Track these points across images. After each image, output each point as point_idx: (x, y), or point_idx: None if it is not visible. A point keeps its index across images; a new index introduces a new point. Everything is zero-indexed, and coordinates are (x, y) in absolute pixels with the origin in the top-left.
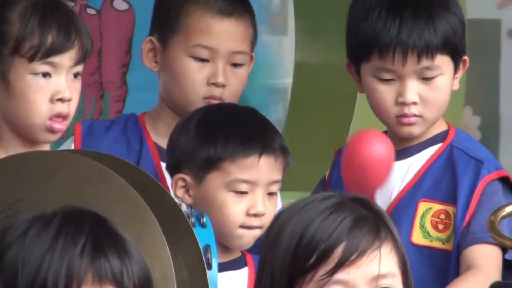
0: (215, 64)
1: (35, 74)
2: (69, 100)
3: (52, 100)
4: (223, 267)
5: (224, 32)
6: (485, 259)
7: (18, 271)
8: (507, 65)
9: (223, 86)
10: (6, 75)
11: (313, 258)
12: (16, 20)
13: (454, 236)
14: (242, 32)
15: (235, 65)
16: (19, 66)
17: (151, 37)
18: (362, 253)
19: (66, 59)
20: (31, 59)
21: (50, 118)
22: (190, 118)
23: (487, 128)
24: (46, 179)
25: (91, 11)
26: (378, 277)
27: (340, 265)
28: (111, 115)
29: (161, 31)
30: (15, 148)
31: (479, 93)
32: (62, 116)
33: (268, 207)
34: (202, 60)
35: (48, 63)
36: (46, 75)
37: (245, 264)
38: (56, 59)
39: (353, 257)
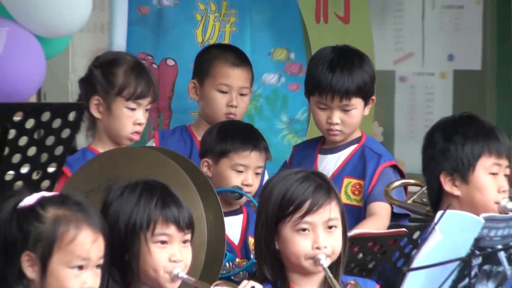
0: (231, 94)
1: (128, 108)
2: (143, 123)
3: (134, 123)
4: (227, 214)
5: (236, 76)
6: (380, 210)
7: (119, 217)
8: (399, 97)
9: (236, 107)
10: (110, 106)
11: (291, 208)
12: (121, 75)
13: (363, 198)
14: (246, 75)
15: (242, 95)
16: (119, 102)
17: (193, 80)
18: (320, 206)
19: (145, 101)
20: (128, 99)
21: (132, 133)
22: (214, 127)
23: (387, 135)
24: (132, 165)
25: (154, 66)
26: (329, 220)
27: (307, 212)
28: (164, 127)
29: (199, 76)
30: (109, 147)
31: (382, 113)
32: (137, 132)
33: (255, 181)
34: (223, 92)
35: (136, 103)
36: (133, 109)
37: (241, 212)
38: (140, 101)
39: (315, 208)
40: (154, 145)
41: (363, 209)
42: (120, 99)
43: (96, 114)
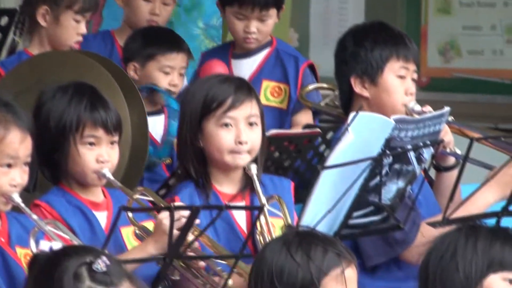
0: (154, 3)
1: (75, 20)
2: (84, 33)
3: (77, 34)
4: (150, 114)
5: None
6: (305, 113)
7: (50, 117)
8: (314, 4)
9: (158, 15)
10: (59, 17)
11: (215, 104)
12: None
13: (289, 102)
14: None
15: (165, 4)
16: (68, 14)
17: None
18: (242, 102)
19: (90, 13)
20: (76, 13)
21: (75, 43)
22: (137, 32)
23: (302, 40)
24: (61, 67)
25: None
26: (250, 115)
27: (230, 108)
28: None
29: None
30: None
31: (298, 20)
32: (78, 42)
33: (180, 82)
34: (147, 0)
35: (83, 15)
36: (79, 21)
37: (163, 112)
38: (87, 14)
39: (237, 104)
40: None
41: (289, 113)
42: (70, 12)
43: (42, 23)
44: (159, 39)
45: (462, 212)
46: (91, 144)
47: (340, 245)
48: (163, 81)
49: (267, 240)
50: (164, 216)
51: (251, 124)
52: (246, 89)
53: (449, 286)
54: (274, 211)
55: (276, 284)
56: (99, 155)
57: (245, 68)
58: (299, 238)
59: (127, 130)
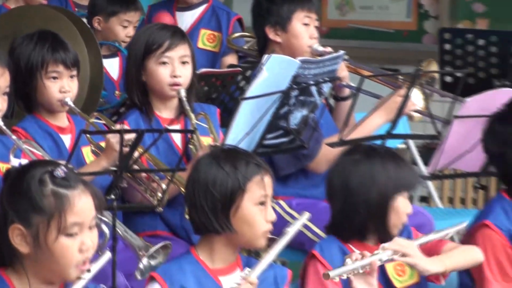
0: None
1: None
2: None
3: None
4: (107, 57)
5: None
6: (232, 56)
7: (20, 59)
8: None
9: None
10: None
11: (155, 46)
12: None
13: (221, 47)
14: None
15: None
16: None
17: None
18: (177, 45)
19: None
20: None
21: None
22: None
23: None
24: (33, 19)
25: None
26: (183, 56)
27: (167, 49)
28: None
29: None
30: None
31: None
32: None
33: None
34: None
35: None
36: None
37: (118, 56)
38: None
39: (172, 46)
40: None
41: (219, 56)
42: None
43: None
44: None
45: (355, 134)
46: (54, 78)
47: (258, 158)
48: (121, 33)
49: (199, 155)
50: (112, 136)
51: (184, 62)
52: (180, 35)
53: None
54: (203, 125)
55: (211, 189)
56: (61, 86)
57: (187, 19)
58: (225, 153)
59: (85, 68)
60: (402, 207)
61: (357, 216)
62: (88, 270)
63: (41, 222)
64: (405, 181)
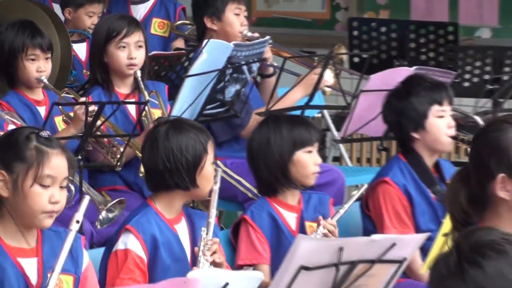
0: None
1: None
2: None
3: None
4: (76, 42)
5: None
6: (179, 41)
7: (4, 43)
8: None
9: None
10: None
11: (115, 33)
12: None
13: (170, 33)
14: None
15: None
16: None
17: None
18: (133, 32)
19: None
20: None
21: None
22: None
23: None
24: (15, 11)
25: None
26: (138, 41)
27: (125, 35)
28: None
29: None
30: None
31: None
32: None
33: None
34: None
35: None
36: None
37: (85, 41)
38: None
39: (129, 33)
40: None
41: (168, 39)
42: None
43: None
44: None
45: (279, 105)
46: (32, 60)
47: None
48: (87, 22)
49: (150, 123)
50: (79, 108)
51: (139, 46)
52: (135, 24)
53: (269, 162)
54: (154, 101)
55: (185, 154)
56: (38, 67)
57: (141, 10)
58: (186, 124)
59: (57, 51)
60: (304, 160)
61: (263, 175)
62: (77, 222)
63: (21, 170)
64: (300, 139)
